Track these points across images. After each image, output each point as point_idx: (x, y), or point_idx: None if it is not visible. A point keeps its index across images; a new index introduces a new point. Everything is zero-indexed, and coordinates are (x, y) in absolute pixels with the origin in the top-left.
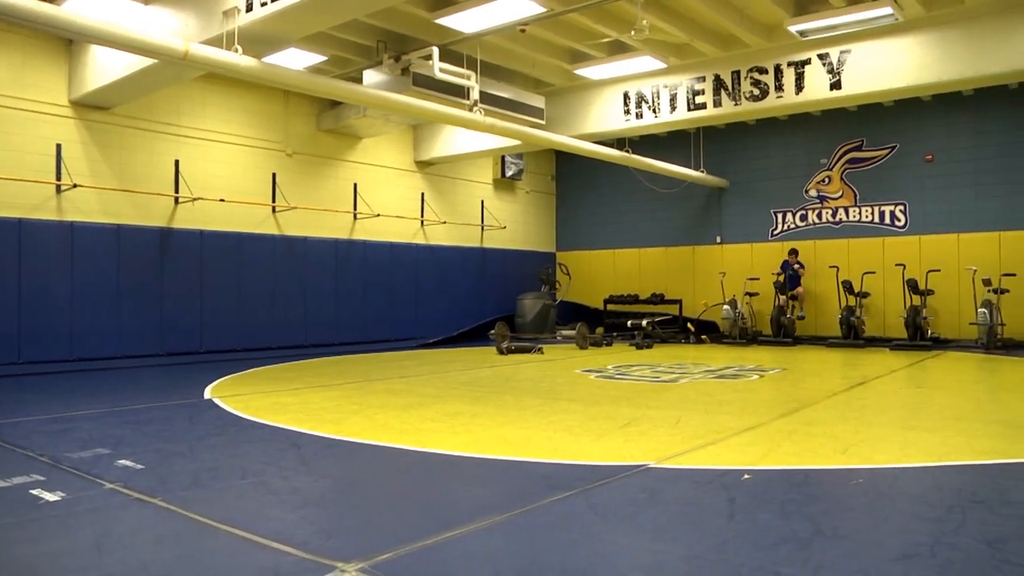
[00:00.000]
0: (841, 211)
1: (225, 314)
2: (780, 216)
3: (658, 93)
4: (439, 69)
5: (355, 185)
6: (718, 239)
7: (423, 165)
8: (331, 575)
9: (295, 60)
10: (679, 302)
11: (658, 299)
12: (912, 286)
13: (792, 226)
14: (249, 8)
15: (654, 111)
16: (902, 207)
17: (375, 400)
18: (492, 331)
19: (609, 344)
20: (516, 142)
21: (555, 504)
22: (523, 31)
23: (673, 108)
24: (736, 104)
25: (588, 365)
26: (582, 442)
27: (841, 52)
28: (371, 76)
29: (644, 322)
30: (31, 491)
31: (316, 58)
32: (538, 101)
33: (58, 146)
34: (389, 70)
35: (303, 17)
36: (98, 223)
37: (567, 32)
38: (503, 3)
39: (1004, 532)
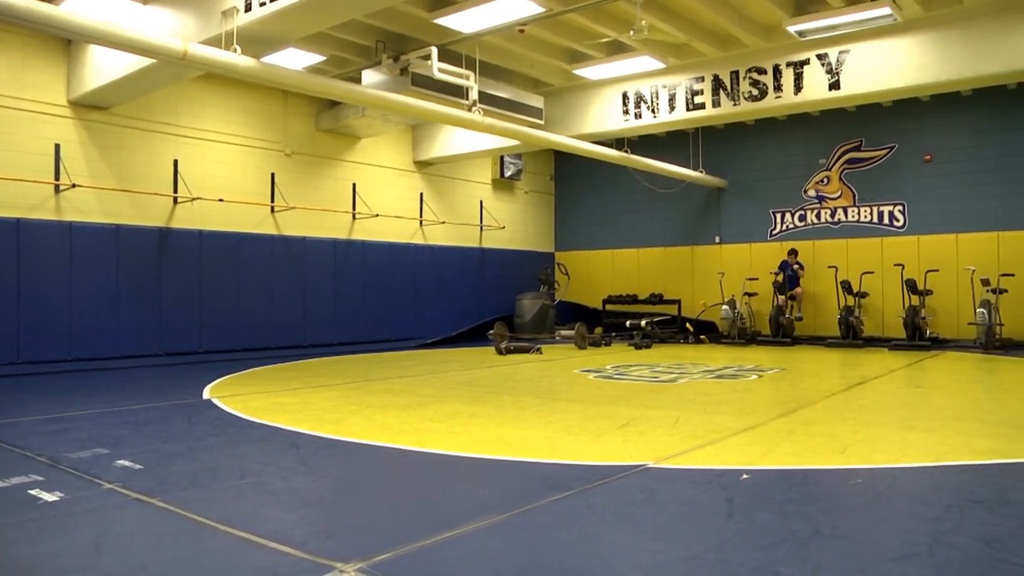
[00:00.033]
0: (840, 211)
1: (224, 314)
2: (779, 216)
3: (657, 93)
4: (438, 69)
5: (354, 185)
6: (717, 239)
7: (422, 165)
8: (330, 575)
9: (294, 60)
10: (678, 302)
11: (657, 299)
12: (911, 286)
13: (791, 226)
14: (248, 8)
15: (653, 111)
16: (901, 207)
17: (374, 400)
18: (491, 331)
19: (608, 344)
20: (515, 142)
21: (554, 504)
22: (522, 31)
23: (672, 108)
24: (735, 104)
25: (587, 365)
26: (581, 442)
27: (840, 52)
28: (370, 76)
29: (643, 322)
30: (29, 491)
31: (315, 58)
32: (537, 101)
33: (57, 146)
34: (388, 70)
35: (302, 17)
36: (97, 223)
37: (566, 32)
38: (502, 3)
39: (1002, 532)
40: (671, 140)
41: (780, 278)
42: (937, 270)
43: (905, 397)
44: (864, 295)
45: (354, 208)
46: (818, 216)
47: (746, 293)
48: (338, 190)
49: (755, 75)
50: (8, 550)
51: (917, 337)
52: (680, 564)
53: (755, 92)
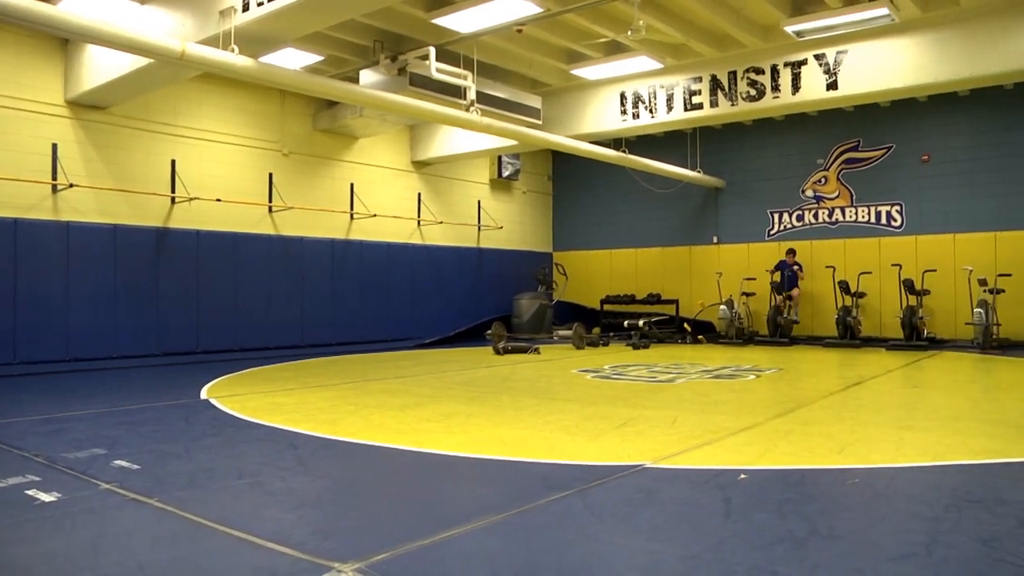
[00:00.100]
0: (837, 211)
1: (221, 314)
2: (776, 216)
3: (655, 93)
4: (436, 69)
5: (352, 185)
6: (715, 239)
7: (420, 165)
8: (328, 575)
9: (292, 60)
10: (676, 302)
11: (655, 299)
12: (908, 286)
13: (788, 226)
14: (245, 8)
15: (651, 111)
16: (898, 207)
17: (372, 400)
18: (489, 331)
19: (606, 344)
20: (513, 142)
21: (552, 504)
22: (520, 31)
23: (670, 108)
24: (733, 104)
25: (585, 365)
26: (578, 442)
27: (838, 53)
28: (368, 76)
29: (641, 322)
30: (26, 492)
31: (313, 58)
32: (535, 101)
33: (54, 146)
34: (386, 70)
35: (299, 17)
36: (94, 223)
37: (564, 32)
38: (500, 3)
39: (999, 531)
40: (669, 140)
41: (777, 277)
42: (935, 270)
43: (903, 397)
44: (862, 295)
45: (352, 208)
46: (816, 216)
47: (744, 293)
48: (336, 190)
49: (753, 75)
50: (5, 550)
51: (915, 337)
52: (678, 564)
53: (753, 92)
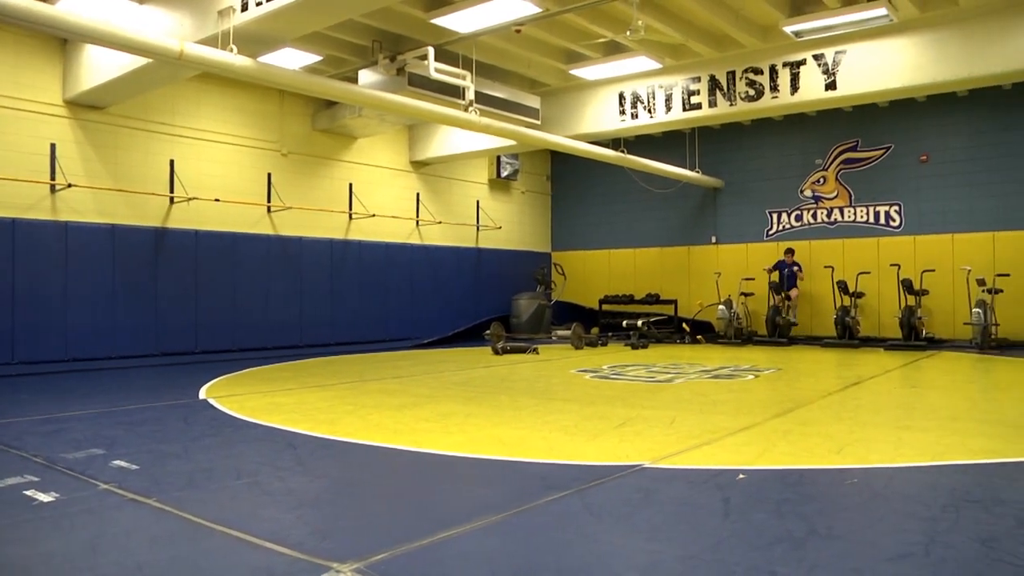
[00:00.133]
0: (836, 211)
1: (220, 314)
2: (775, 216)
3: (653, 93)
4: (434, 69)
5: (350, 185)
6: (713, 239)
7: (418, 165)
8: (326, 575)
9: (290, 60)
10: (674, 302)
11: (653, 299)
12: (907, 286)
13: (787, 226)
14: (244, 8)
15: (649, 111)
16: (897, 207)
17: (370, 400)
18: (487, 331)
19: (604, 344)
20: (511, 142)
21: (550, 504)
22: (518, 31)
23: (668, 108)
24: (731, 104)
25: (583, 365)
26: (577, 442)
27: (836, 53)
28: (366, 76)
29: (639, 322)
30: (25, 492)
31: (311, 58)
32: (533, 101)
33: (52, 146)
34: (384, 70)
35: (298, 17)
36: (93, 223)
37: (562, 32)
38: (498, 3)
39: (997, 531)
40: (668, 140)
41: (775, 276)
42: (933, 270)
43: (901, 397)
44: (860, 295)
45: (350, 208)
46: (814, 216)
47: (742, 293)
48: (334, 190)
49: (751, 75)
50: (4, 551)
51: (913, 337)
52: (676, 564)
53: (751, 92)
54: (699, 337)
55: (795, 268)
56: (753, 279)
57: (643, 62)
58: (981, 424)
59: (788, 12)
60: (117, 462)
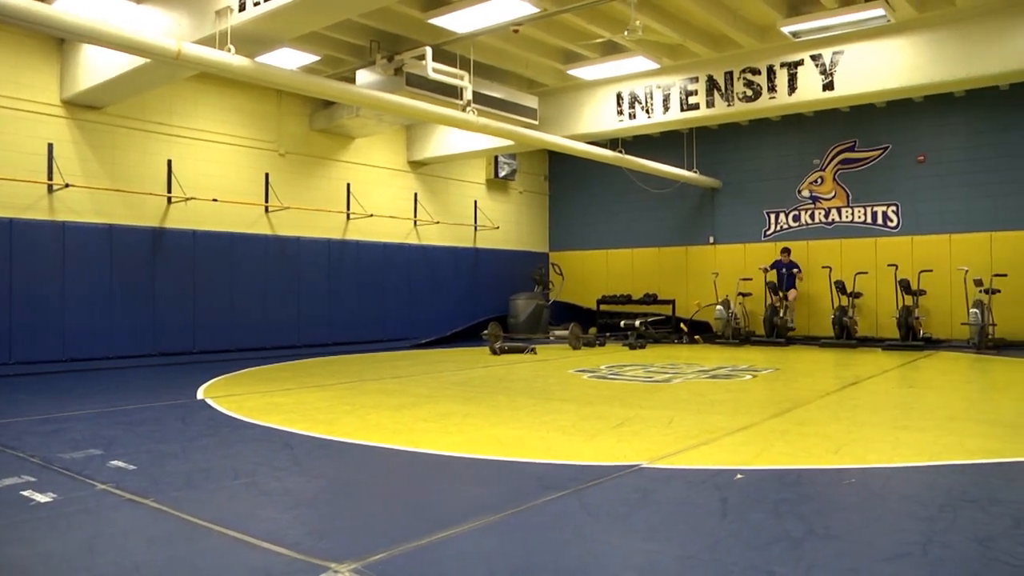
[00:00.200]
0: (834, 211)
1: (218, 314)
2: (773, 216)
3: (651, 93)
4: (432, 69)
5: (348, 185)
6: (711, 239)
7: (416, 165)
8: (324, 575)
9: (288, 60)
10: (672, 302)
11: (651, 299)
12: (904, 286)
13: (785, 226)
14: (242, 8)
15: (647, 111)
16: (894, 207)
17: (368, 400)
18: (485, 331)
19: (602, 344)
20: (509, 142)
21: (548, 504)
22: (516, 31)
23: (666, 109)
24: (729, 105)
25: (581, 365)
26: (575, 442)
27: (834, 53)
28: (364, 76)
29: (637, 322)
30: (22, 492)
31: (309, 58)
32: (531, 101)
33: (50, 145)
34: (382, 70)
35: (296, 17)
36: (90, 223)
37: (560, 32)
38: (496, 3)
39: (994, 531)
40: (665, 140)
41: (772, 276)
42: (930, 270)
43: (899, 397)
44: (858, 295)
45: (348, 208)
46: (812, 216)
47: (740, 293)
48: (332, 190)
49: (749, 76)
50: (1, 551)
51: (910, 337)
52: (674, 564)
53: (749, 93)
54: (697, 337)
55: (795, 270)
56: (751, 279)
57: (641, 62)
58: (978, 424)
59: (786, 12)
60: (115, 462)
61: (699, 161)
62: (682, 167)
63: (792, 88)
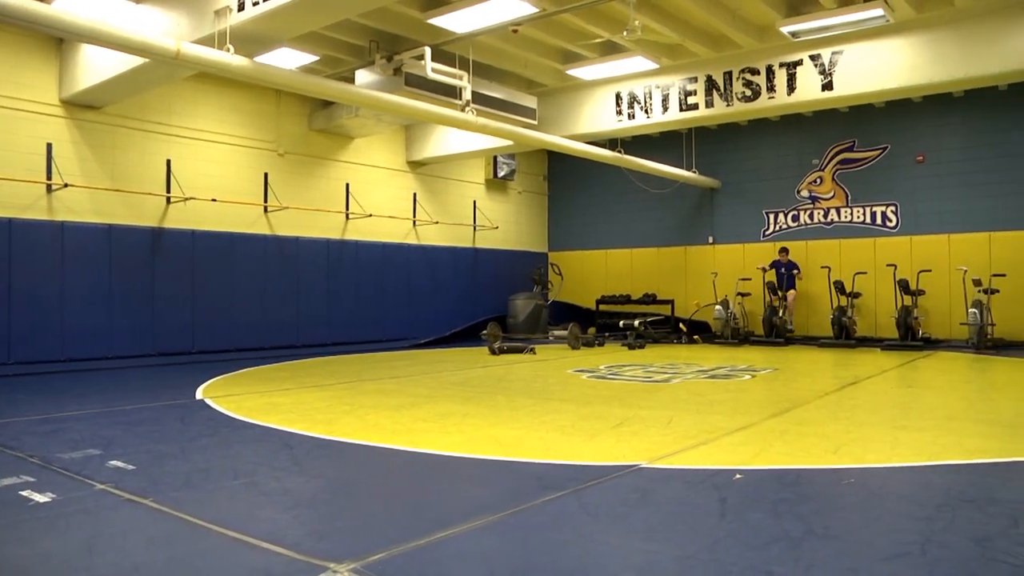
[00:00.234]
0: (833, 211)
1: (217, 314)
2: (772, 216)
3: (650, 93)
4: (431, 69)
5: (347, 185)
6: (710, 239)
7: (415, 165)
8: (323, 575)
9: (287, 60)
10: (671, 302)
11: (650, 299)
12: (903, 286)
13: (784, 226)
14: (241, 7)
15: (646, 111)
16: (893, 208)
17: (367, 400)
18: (484, 331)
19: (601, 344)
20: (508, 142)
21: (547, 504)
22: (515, 31)
23: (665, 109)
24: (728, 105)
25: (580, 365)
26: (574, 442)
27: (833, 53)
28: (363, 76)
29: (636, 322)
30: (21, 492)
31: (308, 58)
32: (530, 101)
33: (48, 145)
34: (381, 70)
35: (295, 17)
36: (89, 223)
37: (559, 32)
38: (495, 3)
39: (992, 530)
40: (664, 140)
41: (771, 276)
42: (929, 270)
43: (897, 397)
44: (857, 295)
45: (347, 208)
46: (811, 216)
47: (739, 293)
48: (331, 190)
49: (748, 76)
50: (0, 551)
51: (909, 337)
52: (673, 564)
53: (748, 93)
54: (696, 337)
55: (794, 271)
56: (750, 279)
57: (640, 62)
58: (977, 424)
59: (785, 12)
60: (114, 462)
61: (698, 161)
62: (681, 167)
63: (791, 88)
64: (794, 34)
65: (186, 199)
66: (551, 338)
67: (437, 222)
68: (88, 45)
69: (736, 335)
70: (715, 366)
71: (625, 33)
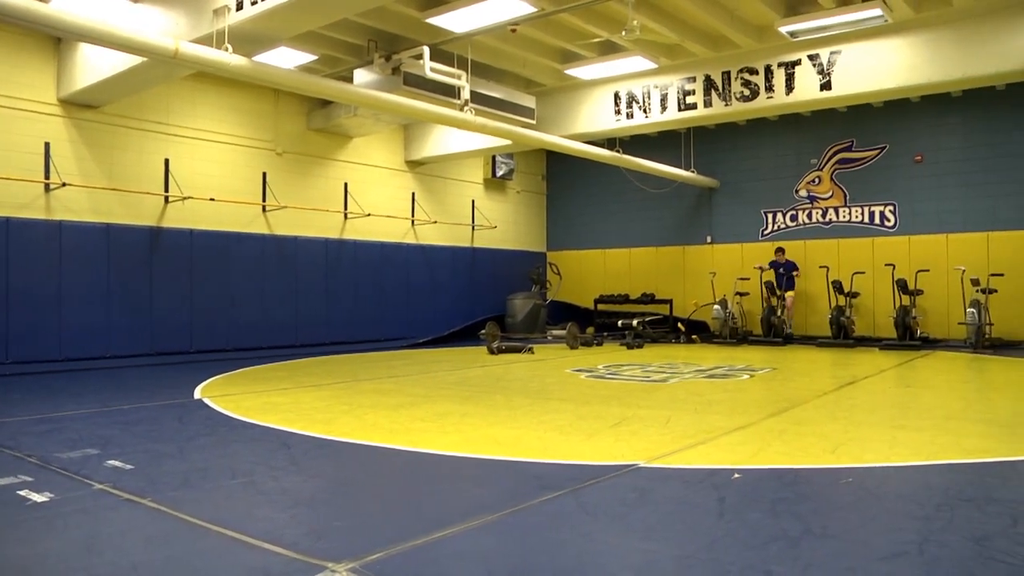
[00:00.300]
0: (831, 211)
1: (215, 314)
2: (770, 216)
3: (649, 93)
4: (430, 69)
5: (345, 185)
6: (708, 239)
7: (414, 165)
8: (321, 575)
9: (285, 59)
10: (669, 302)
11: (648, 299)
12: (901, 286)
13: (782, 226)
14: (239, 7)
15: (645, 111)
16: (892, 207)
17: (365, 400)
18: (482, 331)
19: (599, 344)
20: (507, 142)
21: (545, 504)
22: (514, 31)
23: (664, 108)
24: (726, 104)
25: (578, 365)
26: (572, 442)
27: (831, 53)
28: (362, 75)
29: (634, 322)
30: (19, 492)
31: (306, 57)
32: (529, 101)
33: (47, 144)
34: (380, 69)
35: (293, 16)
36: (87, 222)
37: (558, 32)
38: (494, 3)
39: (990, 530)
40: (663, 140)
41: (770, 276)
42: (927, 270)
43: (896, 397)
44: (855, 295)
45: (346, 207)
46: (809, 216)
47: (737, 293)
48: (330, 189)
49: (746, 75)
50: None
51: (908, 337)
52: (672, 563)
53: (746, 92)
54: (694, 337)
55: (794, 272)
56: (748, 279)
57: (638, 62)
58: (975, 424)
59: (783, 12)
60: (112, 462)
61: (696, 161)
62: (679, 167)
63: (789, 88)
64: (792, 34)
65: (184, 198)
66: (549, 338)
67: (435, 222)
68: (86, 44)
69: (734, 335)
70: (713, 366)
71: (624, 33)
